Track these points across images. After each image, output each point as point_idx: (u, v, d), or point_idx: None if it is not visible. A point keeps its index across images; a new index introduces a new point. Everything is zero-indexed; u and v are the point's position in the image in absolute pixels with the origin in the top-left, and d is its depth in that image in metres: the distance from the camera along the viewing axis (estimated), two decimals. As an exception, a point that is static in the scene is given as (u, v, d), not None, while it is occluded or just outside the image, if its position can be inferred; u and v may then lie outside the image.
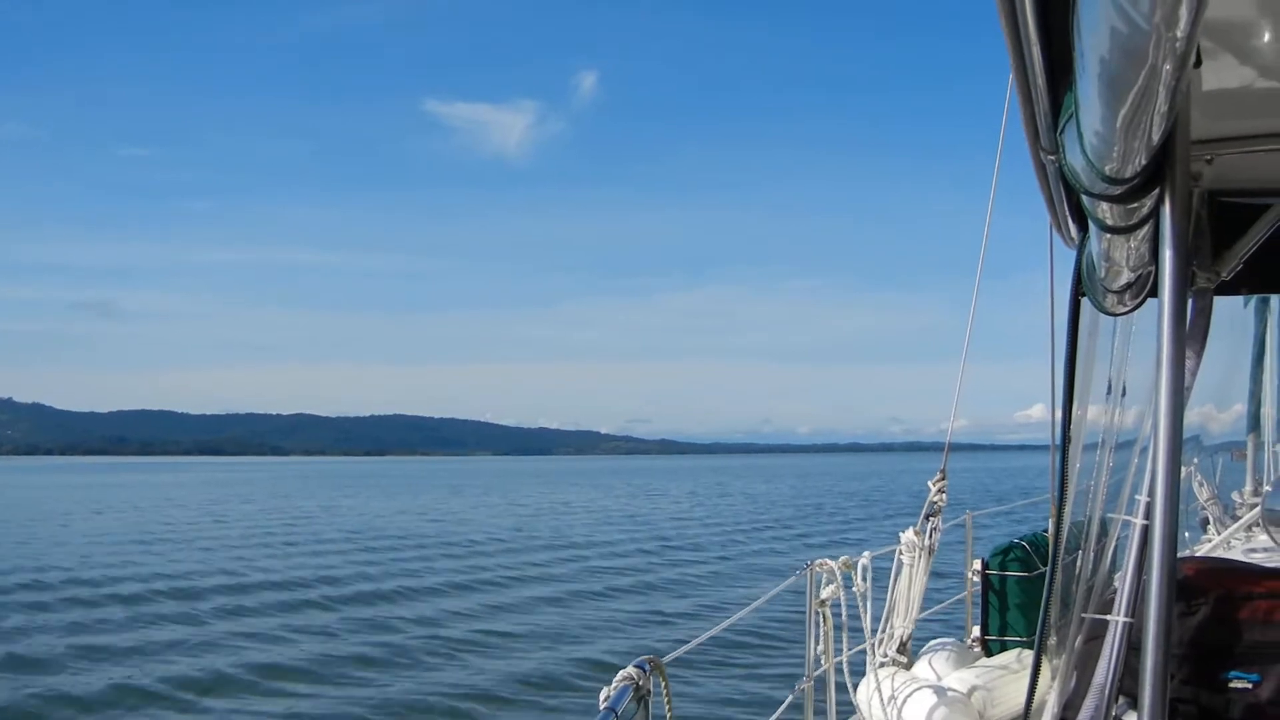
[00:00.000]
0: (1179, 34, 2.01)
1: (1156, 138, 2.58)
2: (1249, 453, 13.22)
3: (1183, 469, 9.81)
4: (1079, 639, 5.24)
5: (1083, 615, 5.23)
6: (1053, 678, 5.51)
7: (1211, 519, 11.47)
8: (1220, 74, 3.50)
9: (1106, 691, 4.69)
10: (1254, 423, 13.46)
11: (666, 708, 4.58)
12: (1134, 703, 4.32)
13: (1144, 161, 2.72)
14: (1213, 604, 4.52)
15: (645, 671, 4.31)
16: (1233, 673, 4.44)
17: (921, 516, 9.33)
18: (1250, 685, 4.41)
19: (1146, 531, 3.95)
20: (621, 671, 4.26)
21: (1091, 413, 5.75)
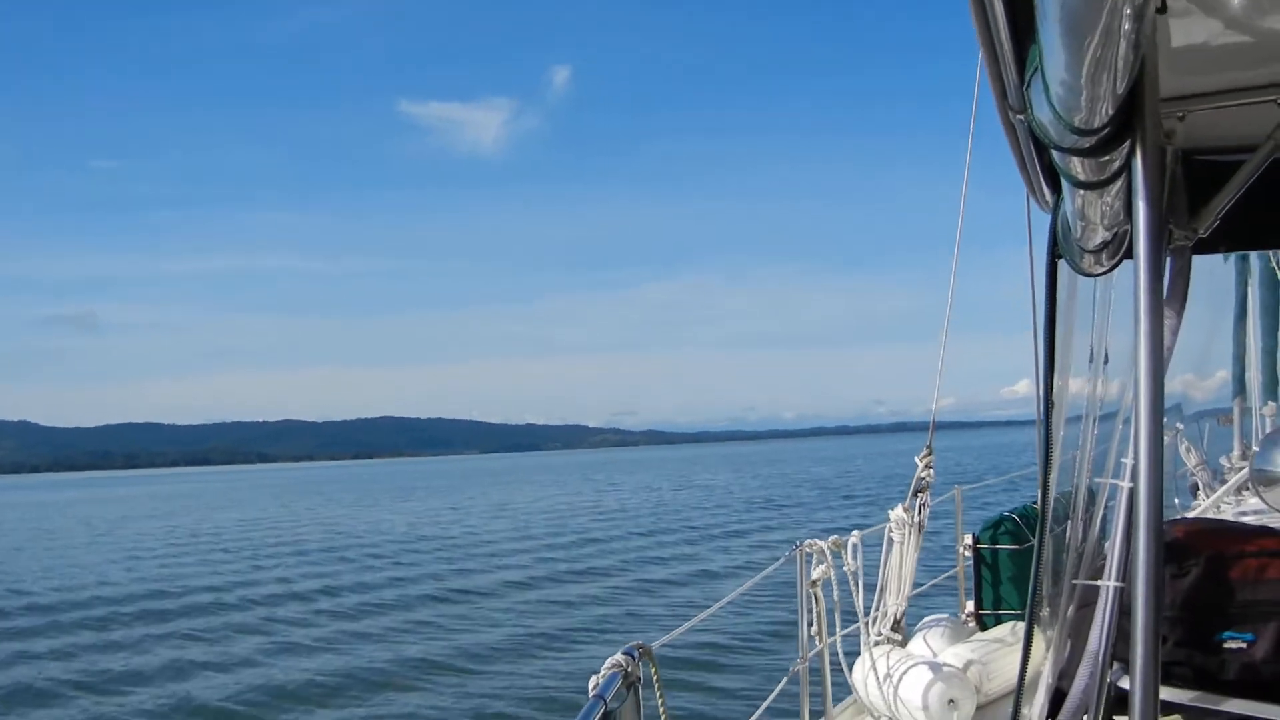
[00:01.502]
0: None
1: (1123, 85, 2.55)
2: (1235, 417, 13.22)
3: (1170, 435, 9.80)
4: (1071, 607, 5.22)
5: (1074, 583, 5.20)
6: (1047, 648, 5.48)
7: (1200, 484, 11.47)
8: (1189, 29, 3.46)
9: (1100, 658, 4.67)
10: (1239, 386, 13.45)
11: (657, 695, 4.54)
12: (1128, 667, 4.29)
13: (1111, 111, 2.69)
14: (1204, 565, 4.49)
15: (634, 658, 4.26)
16: (1226, 633, 4.42)
17: (910, 493, 9.29)
18: (1245, 645, 4.38)
19: (1133, 494, 3.92)
20: (610, 658, 4.21)
21: (1076, 382, 5.72)
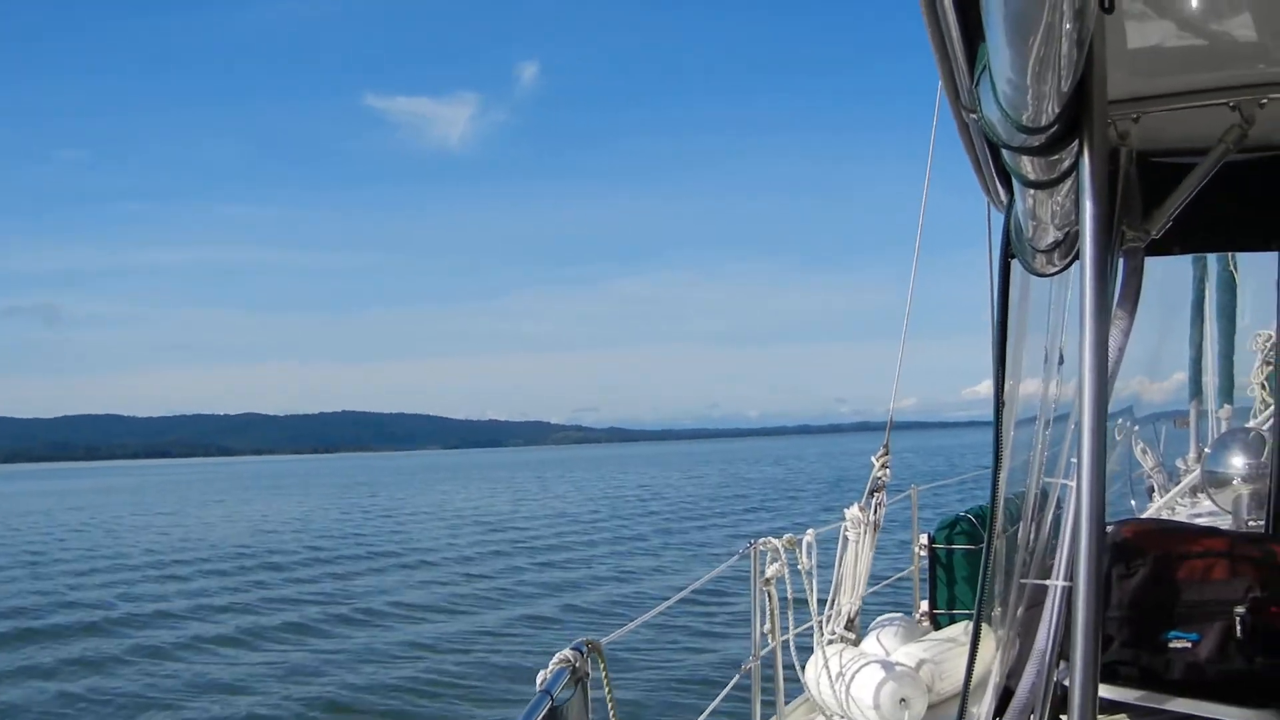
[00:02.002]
0: None
1: (1067, 83, 2.55)
2: (1191, 420, 13.31)
3: (1124, 436, 9.84)
4: (1021, 607, 5.23)
5: (1022, 582, 5.22)
6: (997, 647, 5.49)
7: (1156, 486, 11.53)
8: (1143, 31, 3.48)
9: (1047, 657, 4.68)
10: (1195, 389, 13.54)
11: (606, 690, 4.52)
12: None
13: (1057, 109, 2.69)
14: (1151, 565, 4.52)
15: (583, 654, 4.25)
16: (1172, 633, 4.44)
17: (866, 492, 9.30)
18: (1190, 644, 4.41)
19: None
20: (558, 653, 4.19)
21: (1031, 383, 5.73)
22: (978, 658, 5.34)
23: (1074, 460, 4.73)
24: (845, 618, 9.08)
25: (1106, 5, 2.43)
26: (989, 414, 5.26)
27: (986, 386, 5.55)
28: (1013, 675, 5.05)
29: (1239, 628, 4.34)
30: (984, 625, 5.48)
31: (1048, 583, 4.79)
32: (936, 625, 10.33)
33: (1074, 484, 4.69)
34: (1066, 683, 4.65)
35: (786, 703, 8.35)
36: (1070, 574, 4.55)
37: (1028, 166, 3.25)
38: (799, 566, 8.18)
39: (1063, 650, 4.63)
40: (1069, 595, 4.56)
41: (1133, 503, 10.71)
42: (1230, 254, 11.76)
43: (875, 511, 9.25)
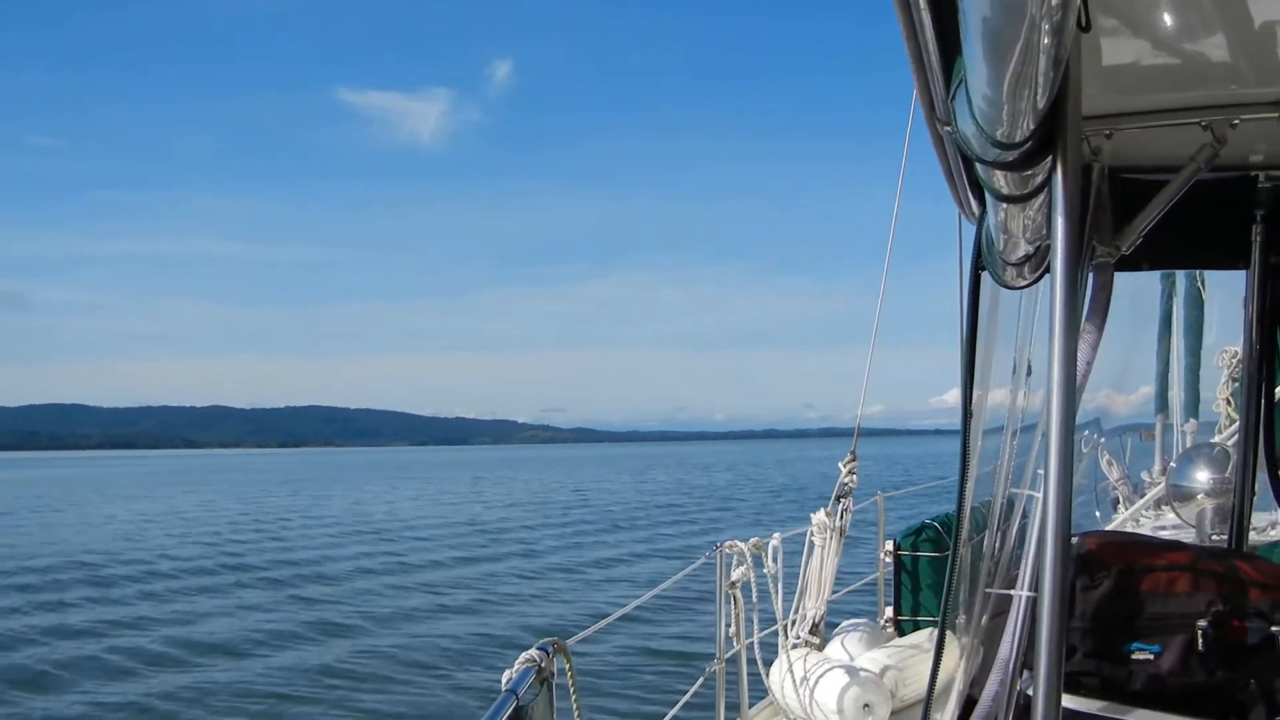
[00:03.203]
0: None
1: (1043, 100, 2.57)
2: (1157, 433, 13.38)
3: (1091, 448, 9.89)
4: (985, 616, 5.25)
5: (987, 591, 5.24)
6: (961, 655, 5.51)
7: (1121, 498, 11.59)
8: (1119, 49, 3.51)
9: (1010, 666, 4.69)
10: (1161, 403, 13.63)
11: (571, 690, 4.53)
12: None
13: (1032, 125, 2.71)
14: (1115, 577, 4.52)
15: (548, 653, 4.26)
16: (1134, 645, 4.44)
17: (832, 498, 9.33)
18: (1151, 656, 4.42)
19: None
20: (524, 653, 4.20)
21: (998, 393, 5.76)
22: (941, 665, 5.37)
23: (1040, 472, 4.76)
24: (810, 622, 9.11)
25: (1084, 24, 2.45)
26: (955, 423, 5.28)
27: (954, 395, 5.57)
28: (976, 684, 5.05)
29: (1201, 641, 4.35)
30: (948, 633, 5.50)
31: (1012, 593, 4.81)
32: (900, 631, 10.38)
33: (1039, 495, 4.71)
34: (1030, 692, 4.69)
35: (750, 705, 8.37)
36: (1035, 584, 4.57)
37: (1001, 181, 3.26)
38: (765, 570, 8.20)
39: (1026, 660, 4.65)
40: (1033, 605, 4.59)
41: (1097, 513, 10.75)
42: (1198, 271, 11.85)
43: (841, 517, 9.28)
